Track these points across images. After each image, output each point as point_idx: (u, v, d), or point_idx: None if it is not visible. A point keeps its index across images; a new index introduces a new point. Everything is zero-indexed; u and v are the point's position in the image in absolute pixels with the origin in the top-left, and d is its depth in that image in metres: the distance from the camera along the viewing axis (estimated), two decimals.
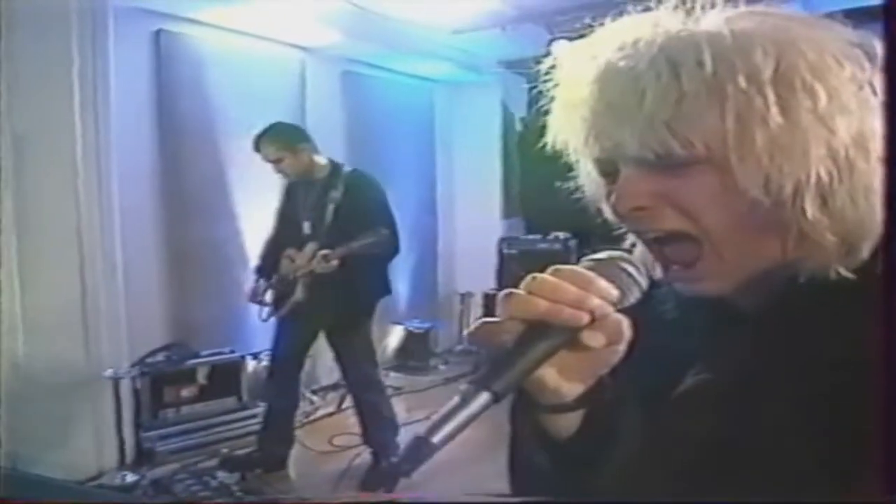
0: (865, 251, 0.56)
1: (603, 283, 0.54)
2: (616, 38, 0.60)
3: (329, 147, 4.27)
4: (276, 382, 3.14)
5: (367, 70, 4.66)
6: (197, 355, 3.37)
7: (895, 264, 0.54)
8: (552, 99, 0.64)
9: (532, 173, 4.77)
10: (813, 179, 0.55)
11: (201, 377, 3.35)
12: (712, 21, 0.58)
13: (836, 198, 0.55)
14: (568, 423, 0.58)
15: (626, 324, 0.54)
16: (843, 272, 0.55)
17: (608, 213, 0.64)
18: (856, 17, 0.61)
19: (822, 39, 0.56)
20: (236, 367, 3.49)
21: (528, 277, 0.53)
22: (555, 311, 0.52)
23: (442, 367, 4.85)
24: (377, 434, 3.03)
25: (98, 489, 2.53)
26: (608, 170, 0.62)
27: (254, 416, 3.43)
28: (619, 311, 0.55)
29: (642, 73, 0.55)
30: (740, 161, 0.55)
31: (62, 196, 2.83)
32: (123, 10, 3.15)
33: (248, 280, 3.83)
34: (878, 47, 0.56)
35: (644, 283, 0.57)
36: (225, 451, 3.10)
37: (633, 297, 0.56)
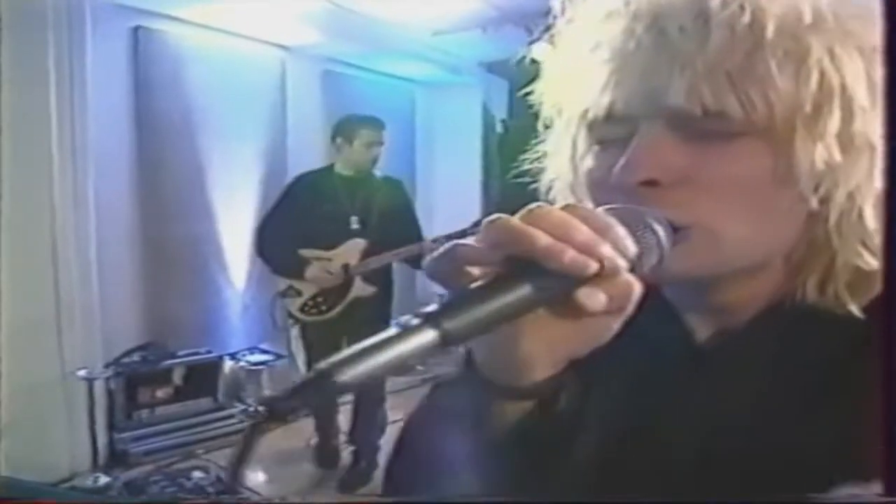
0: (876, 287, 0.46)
1: (622, 232, 0.41)
2: None
3: (310, 147, 4.27)
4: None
5: (348, 70, 4.65)
6: (173, 355, 3.35)
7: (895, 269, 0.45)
8: (554, 42, 0.53)
9: (512, 175, 4.79)
10: (875, 187, 0.46)
11: (177, 378, 3.33)
12: None
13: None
14: (510, 412, 0.47)
15: (636, 290, 0.42)
16: (854, 310, 0.46)
17: (585, 192, 0.52)
18: None
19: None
20: (213, 367, 3.48)
21: (528, 207, 0.41)
22: (556, 249, 0.39)
23: (419, 368, 4.86)
24: (364, 435, 3.04)
25: (71, 491, 2.51)
26: (610, 135, 0.49)
27: (230, 417, 3.42)
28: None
29: (714, 11, 0.44)
30: (806, 141, 0.44)
31: (36, 193, 2.81)
32: (101, 7, 3.13)
33: (229, 281, 3.87)
34: None
35: (667, 247, 0.44)
36: (200, 451, 3.09)
37: (651, 261, 0.44)
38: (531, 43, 0.71)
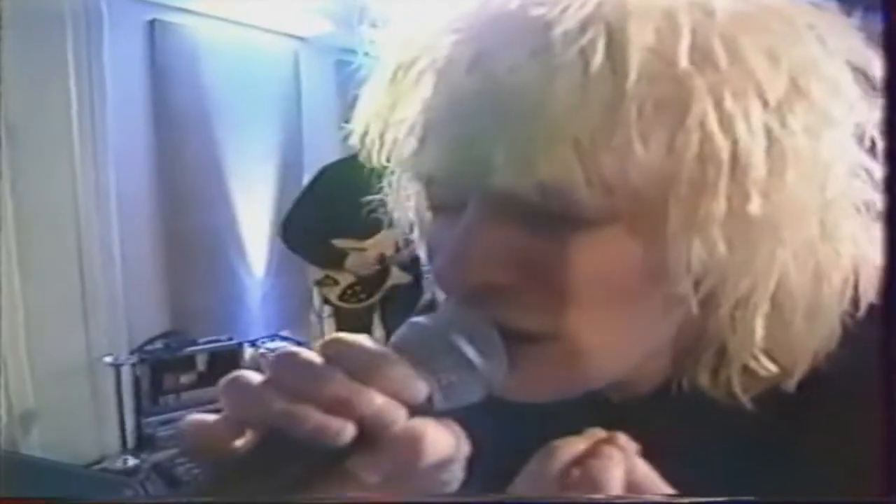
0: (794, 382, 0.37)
1: (400, 371, 0.31)
2: None
3: (325, 136, 4.31)
4: None
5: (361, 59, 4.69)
6: (195, 343, 3.41)
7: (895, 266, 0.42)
8: (373, 64, 0.41)
9: None
10: (774, 282, 0.35)
11: (200, 364, 3.39)
12: None
13: (795, 313, 0.36)
14: None
15: (431, 437, 0.30)
16: (746, 402, 0.38)
17: (423, 256, 0.43)
18: None
19: (838, 52, 0.35)
20: (234, 354, 3.53)
21: (276, 353, 0.32)
22: (295, 414, 0.29)
23: None
24: None
25: (102, 472, 2.60)
26: (439, 200, 0.39)
27: None
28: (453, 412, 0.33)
29: (559, 43, 0.31)
30: (683, 231, 0.33)
31: (59, 186, 2.87)
32: (117, 0, 3.16)
33: (249, 270, 3.92)
34: (876, 68, 0.35)
35: (486, 370, 0.34)
36: None
37: (466, 394, 0.33)
38: None
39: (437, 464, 0.31)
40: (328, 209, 2.96)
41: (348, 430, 0.29)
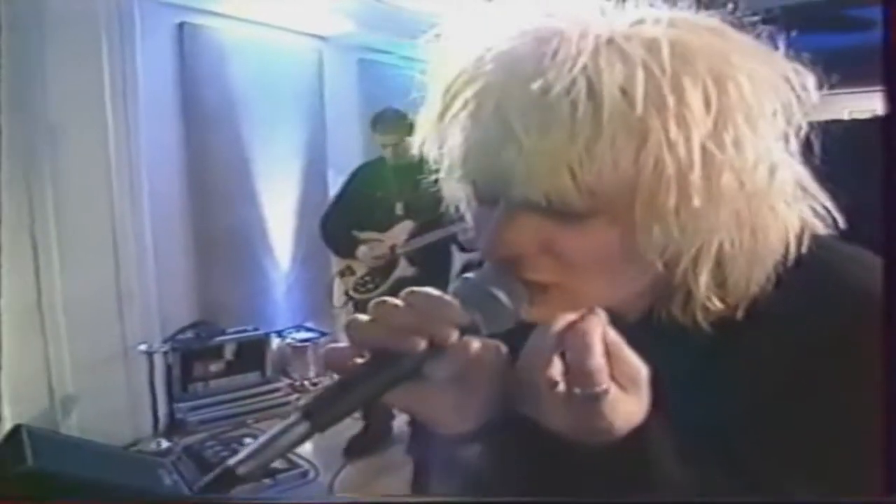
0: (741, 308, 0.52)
1: (448, 307, 0.47)
2: (524, 29, 0.49)
3: (347, 133, 4.41)
4: None
5: (383, 58, 4.76)
6: (224, 333, 3.52)
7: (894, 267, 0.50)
8: (426, 89, 0.54)
9: None
10: (714, 248, 0.49)
11: (228, 353, 3.50)
12: (650, 25, 0.47)
13: (734, 266, 0.50)
14: (470, 453, 0.52)
15: (477, 349, 0.48)
16: (705, 326, 0.52)
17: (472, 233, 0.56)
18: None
19: (762, 76, 0.48)
20: (261, 344, 3.64)
21: (375, 301, 0.48)
22: (387, 337, 0.46)
23: None
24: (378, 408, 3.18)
25: (137, 453, 2.74)
26: (481, 195, 0.53)
27: (277, 390, 3.61)
28: (491, 335, 0.49)
29: (555, 99, 0.45)
30: (645, 221, 0.47)
31: (95, 183, 2.98)
32: (148, 4, 3.27)
33: (275, 264, 4.04)
34: (811, 83, 0.49)
35: (512, 307, 0.49)
36: (250, 421, 3.30)
37: (502, 323, 0.49)
38: None
39: (485, 365, 0.49)
40: (358, 204, 3.14)
41: (420, 344, 0.46)
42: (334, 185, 3.97)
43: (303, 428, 0.44)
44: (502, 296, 0.49)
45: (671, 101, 0.44)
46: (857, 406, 0.50)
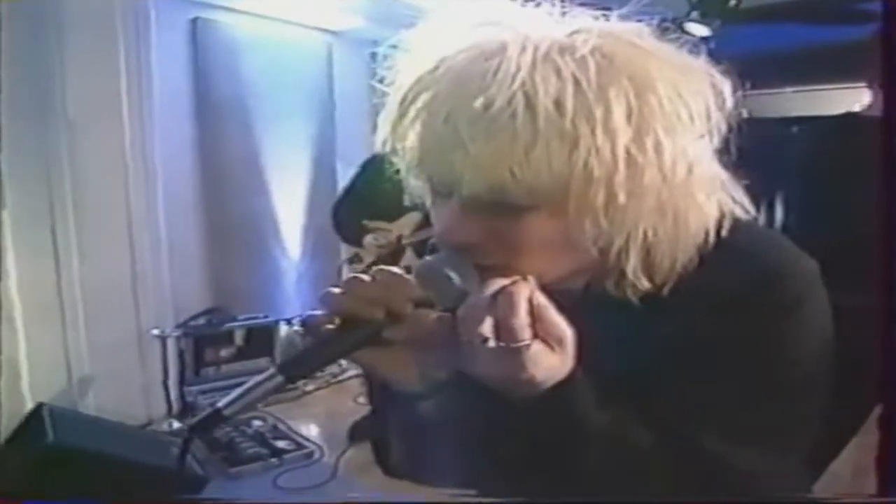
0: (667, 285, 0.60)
1: (406, 283, 0.56)
2: (473, 42, 0.55)
3: (357, 126, 4.49)
4: None
5: (393, 52, 4.81)
6: (234, 319, 3.60)
7: (895, 260, 0.58)
8: (386, 92, 0.61)
9: None
10: (640, 236, 0.56)
11: (238, 339, 3.58)
12: (582, 38, 0.53)
13: (659, 250, 0.57)
14: (422, 409, 0.60)
15: (428, 320, 0.56)
16: (634, 299, 0.60)
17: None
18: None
19: (680, 85, 0.54)
20: (270, 331, 3.72)
21: (346, 277, 0.57)
22: (353, 306, 0.55)
23: None
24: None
25: (151, 432, 2.86)
26: (438, 190, 0.60)
27: None
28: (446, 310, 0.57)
29: (497, 111, 0.51)
30: (578, 215, 0.54)
31: (112, 176, 3.06)
32: (162, 1, 3.33)
33: (285, 253, 4.14)
34: (728, 89, 0.56)
35: (462, 286, 0.57)
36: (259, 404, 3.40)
37: (454, 299, 0.56)
38: None
39: (436, 333, 0.56)
40: (369, 194, 3.16)
41: (378, 313, 0.55)
42: (343, 178, 4.04)
43: (277, 381, 0.54)
44: (455, 276, 0.57)
45: (598, 111, 0.51)
46: (760, 359, 0.58)
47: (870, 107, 1.83)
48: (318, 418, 3.39)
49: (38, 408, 2.36)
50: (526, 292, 0.54)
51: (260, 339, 3.67)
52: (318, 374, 0.67)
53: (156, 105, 3.26)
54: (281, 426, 3.09)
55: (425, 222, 2.72)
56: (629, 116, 0.52)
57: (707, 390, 0.59)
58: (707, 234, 0.59)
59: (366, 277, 0.56)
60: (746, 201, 0.61)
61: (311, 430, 3.22)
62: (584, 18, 0.57)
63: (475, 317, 0.54)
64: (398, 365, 0.59)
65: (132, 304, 3.13)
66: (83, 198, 2.91)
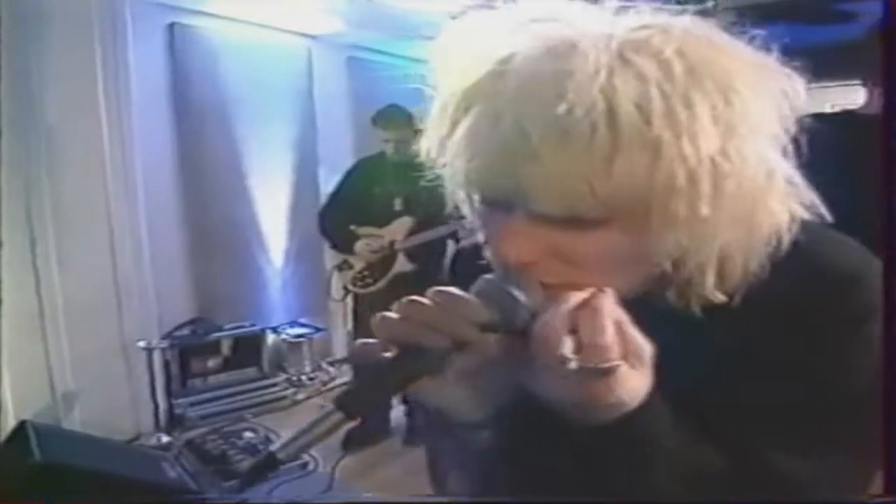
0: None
1: (471, 306, 0.50)
2: (536, 40, 0.49)
3: (337, 130, 4.45)
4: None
5: (372, 56, 4.80)
6: (221, 329, 3.55)
7: (895, 259, 0.54)
8: (433, 94, 0.55)
9: None
10: (718, 255, 0.52)
11: (225, 349, 3.54)
12: (659, 37, 0.48)
13: (732, 260, 0.53)
14: (482, 439, 0.56)
15: (496, 345, 0.51)
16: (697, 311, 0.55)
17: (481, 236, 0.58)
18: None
19: (758, 86, 0.50)
20: (257, 339, 3.68)
21: (403, 300, 0.51)
22: (415, 332, 0.49)
23: None
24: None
25: (140, 447, 2.77)
26: (491, 200, 0.54)
27: (274, 385, 3.66)
28: (508, 331, 0.51)
29: (576, 118, 0.45)
30: (660, 230, 0.49)
31: (91, 182, 3.00)
32: (139, 5, 3.29)
33: (269, 260, 4.08)
34: (799, 87, 0.52)
35: (529, 304, 0.52)
36: (249, 415, 3.35)
37: (519, 320, 0.52)
38: None
39: (500, 359, 0.51)
40: (357, 199, 3.18)
41: (448, 341, 0.50)
42: (325, 183, 4.02)
43: (336, 417, 0.49)
44: (520, 296, 0.52)
45: (683, 117, 0.46)
46: (834, 371, 0.55)
47: (866, 105, 1.85)
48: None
49: (22, 425, 2.27)
50: (609, 306, 0.49)
51: (247, 349, 3.63)
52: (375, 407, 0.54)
53: (134, 111, 3.22)
54: (273, 437, 3.03)
55: (417, 227, 2.72)
56: (715, 122, 0.47)
57: (779, 404, 0.55)
58: (779, 239, 0.54)
59: (425, 301, 0.50)
60: (819, 204, 0.55)
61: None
62: (647, 16, 0.52)
63: (553, 336, 0.49)
64: (458, 393, 0.53)
65: (115, 315, 3.07)
66: (62, 206, 2.85)
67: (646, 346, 0.49)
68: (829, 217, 0.56)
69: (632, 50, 0.48)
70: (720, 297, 0.53)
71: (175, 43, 3.62)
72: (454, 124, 0.52)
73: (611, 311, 0.49)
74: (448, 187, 0.58)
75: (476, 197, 0.55)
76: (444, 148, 0.54)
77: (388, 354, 0.50)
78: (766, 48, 0.52)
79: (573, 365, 0.47)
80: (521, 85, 0.48)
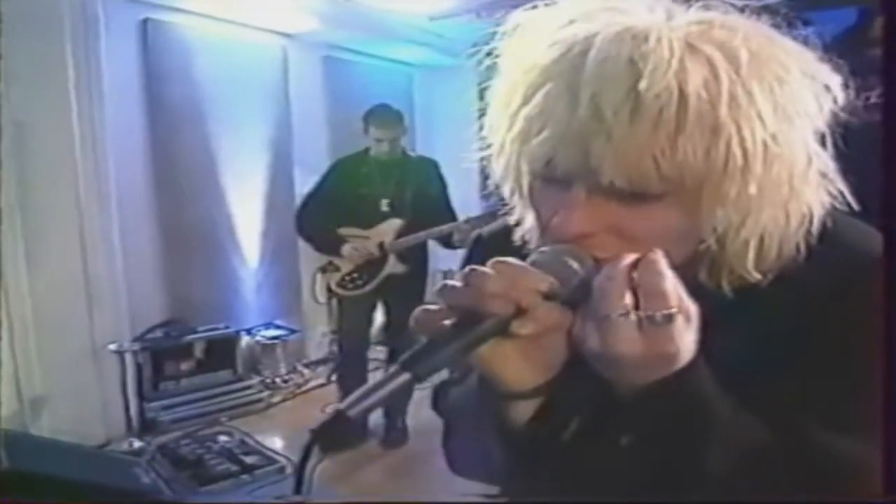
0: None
1: (533, 275, 0.53)
2: (610, 23, 0.53)
3: (313, 130, 4.42)
4: (353, 359, 3.27)
5: (348, 55, 4.77)
6: (194, 331, 3.50)
7: (893, 259, 0.57)
8: (497, 74, 0.58)
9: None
10: (759, 233, 0.56)
11: (198, 352, 3.49)
12: (722, 31, 0.53)
13: (770, 241, 0.57)
14: (524, 410, 0.58)
15: (556, 313, 0.53)
16: (727, 290, 0.59)
17: (530, 220, 0.62)
18: None
19: (808, 83, 0.54)
20: (231, 341, 3.64)
21: (467, 269, 0.53)
22: (480, 300, 0.51)
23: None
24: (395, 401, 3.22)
25: (112, 453, 2.71)
26: (551, 175, 0.56)
27: (249, 388, 3.62)
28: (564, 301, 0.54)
29: (648, 101, 0.49)
30: (711, 205, 0.53)
31: (62, 180, 2.94)
32: (111, 1, 3.24)
33: (243, 261, 4.03)
34: (839, 84, 0.56)
35: (583, 274, 0.55)
36: (224, 419, 3.30)
37: (575, 289, 0.54)
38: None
39: (557, 325, 0.54)
40: (338, 200, 3.14)
41: (509, 307, 0.51)
42: (301, 183, 3.98)
43: (403, 378, 0.49)
44: (576, 265, 0.54)
45: (744, 101, 0.51)
46: (858, 345, 0.58)
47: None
48: (286, 430, 3.30)
49: None
50: (664, 259, 0.53)
51: (221, 351, 3.58)
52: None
53: (106, 108, 3.16)
54: (248, 440, 2.98)
55: (406, 228, 2.70)
56: (774, 110, 0.52)
57: (811, 382, 0.57)
58: (812, 224, 0.58)
59: (488, 270, 0.52)
60: (847, 193, 0.59)
61: (279, 444, 3.12)
62: (707, 12, 0.55)
63: (617, 289, 0.52)
64: (515, 362, 0.56)
65: (86, 317, 3.01)
66: (31, 205, 2.79)
67: (692, 306, 0.52)
68: (857, 207, 0.60)
69: (698, 39, 0.52)
70: (755, 276, 0.57)
71: (148, 39, 3.58)
72: (526, 99, 0.55)
73: (665, 262, 0.52)
74: (498, 165, 0.61)
75: (538, 170, 0.57)
76: (511, 121, 0.56)
77: (447, 322, 0.52)
78: (812, 44, 0.56)
79: (632, 317, 0.51)
80: (599, 64, 0.51)
